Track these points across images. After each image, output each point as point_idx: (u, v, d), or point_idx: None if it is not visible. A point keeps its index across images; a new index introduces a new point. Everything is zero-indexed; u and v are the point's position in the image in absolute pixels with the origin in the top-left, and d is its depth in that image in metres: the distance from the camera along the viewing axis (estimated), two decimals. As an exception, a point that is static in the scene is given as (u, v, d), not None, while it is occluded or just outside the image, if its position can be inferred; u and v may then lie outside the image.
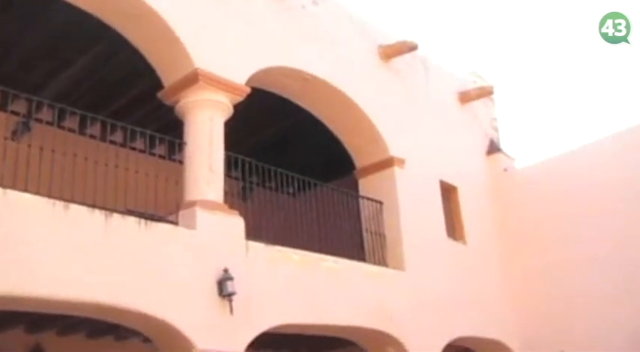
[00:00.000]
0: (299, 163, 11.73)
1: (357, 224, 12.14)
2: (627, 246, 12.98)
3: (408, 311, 11.52)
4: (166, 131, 9.65)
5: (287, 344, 13.62)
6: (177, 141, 9.48)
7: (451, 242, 13.38)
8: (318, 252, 10.51)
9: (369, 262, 11.59)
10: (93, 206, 7.90)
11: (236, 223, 9.33)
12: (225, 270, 8.66)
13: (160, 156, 9.71)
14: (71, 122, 9.47)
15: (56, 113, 8.52)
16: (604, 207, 13.48)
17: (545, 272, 14.04)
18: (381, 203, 12.16)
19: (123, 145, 9.44)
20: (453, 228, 13.69)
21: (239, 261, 9.06)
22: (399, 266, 11.85)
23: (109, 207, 8.08)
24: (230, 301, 8.66)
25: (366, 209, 12.15)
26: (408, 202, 12.33)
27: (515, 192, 15.03)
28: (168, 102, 9.75)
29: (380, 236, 12.04)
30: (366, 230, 12.05)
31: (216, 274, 8.66)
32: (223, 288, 8.63)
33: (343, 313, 10.50)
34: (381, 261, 11.80)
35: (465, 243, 13.69)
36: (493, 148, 15.72)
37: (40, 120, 9.42)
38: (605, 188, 13.56)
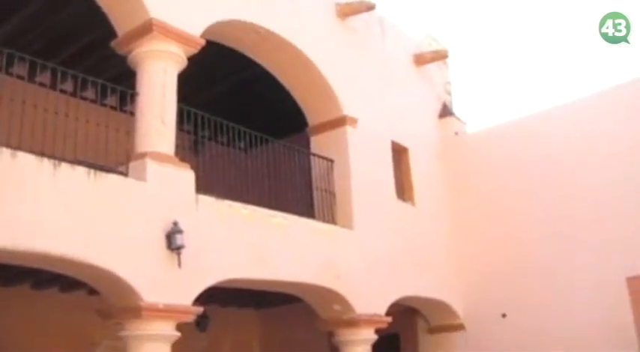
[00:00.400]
0: (252, 119, 11.68)
1: (308, 181, 12.16)
2: (576, 214, 13.24)
3: (355, 269, 11.62)
4: (118, 82, 9.49)
5: (234, 298, 13.70)
6: (129, 91, 9.33)
7: (400, 203, 13.48)
8: (268, 207, 10.51)
9: (318, 220, 11.63)
10: (41, 154, 7.76)
11: (187, 176, 9.25)
12: (175, 223, 8.62)
13: (111, 107, 9.55)
14: (20, 69, 9.26)
15: (4, 58, 8.32)
16: (553, 175, 13.70)
17: (492, 237, 14.27)
18: (332, 161, 12.17)
19: (73, 95, 9.28)
20: (403, 189, 13.80)
21: (189, 214, 9.01)
22: (348, 224, 11.92)
23: (57, 157, 7.96)
24: (178, 254, 8.62)
25: (316, 167, 12.17)
26: (359, 161, 12.38)
27: (465, 156, 15.19)
28: (121, 51, 9.59)
29: (330, 194, 12.08)
30: (316, 188, 12.07)
31: (165, 227, 8.60)
32: (172, 241, 8.58)
33: (291, 269, 10.54)
34: (330, 219, 11.85)
35: (414, 204, 13.83)
36: (445, 112, 15.82)
37: (-14, 66, 9.21)
38: (555, 156, 13.77)
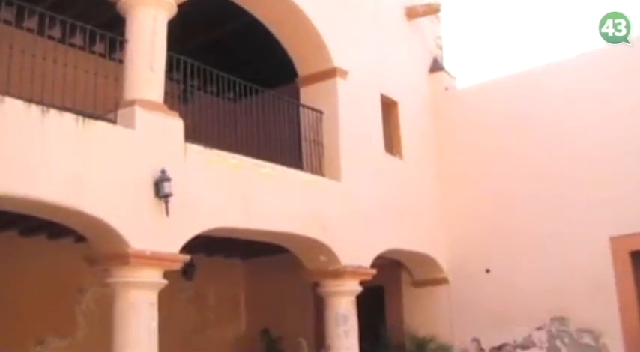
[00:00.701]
0: (241, 69, 11.62)
1: (297, 132, 12.15)
2: (563, 173, 13.31)
3: (341, 221, 11.69)
4: (107, 29, 9.38)
5: (221, 248, 13.80)
6: (119, 38, 9.26)
7: (388, 156, 13.51)
8: (257, 158, 10.52)
9: (306, 171, 11.66)
10: (29, 100, 7.72)
11: (175, 124, 9.23)
12: (163, 171, 8.62)
13: (100, 55, 9.49)
14: (7, 13, 9.16)
15: (-9, 3, 8.22)
16: (542, 133, 13.74)
17: (479, 193, 14.34)
18: (321, 113, 12.15)
19: (61, 41, 9.20)
20: (391, 142, 13.82)
21: (177, 162, 9.03)
22: (336, 176, 11.95)
23: (46, 103, 7.91)
24: (166, 202, 8.64)
25: (306, 118, 12.15)
26: (348, 113, 12.36)
27: (454, 111, 15.18)
28: (110, -3, 9.50)
29: (318, 145, 12.09)
30: (305, 139, 12.08)
31: (153, 175, 8.61)
32: (160, 189, 8.59)
33: (278, 219, 10.60)
34: (318, 171, 11.88)
35: (402, 158, 13.85)
36: (436, 66, 15.77)
37: (-27, 11, 9.10)
38: (545, 114, 13.78)
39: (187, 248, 9.16)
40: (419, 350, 13.65)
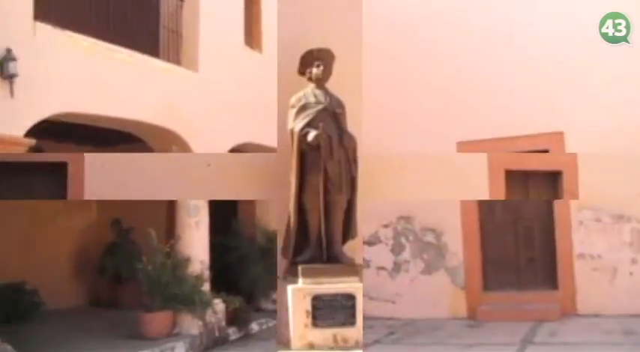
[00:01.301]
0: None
1: (156, 20, 11.79)
2: (414, 79, 13.61)
3: (196, 112, 11.58)
4: None
5: (71, 135, 13.43)
6: None
7: (248, 50, 13.36)
8: (113, 43, 10.15)
9: (163, 59, 11.41)
10: None
11: (23, 1, 8.73)
12: (8, 50, 8.22)
13: None
14: None
15: None
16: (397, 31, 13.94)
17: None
18: (182, 0, 11.83)
19: None
20: (252, 36, 13.64)
21: (25, 42, 8.59)
22: (193, 66, 11.74)
23: None
24: (11, 83, 8.29)
25: (165, 5, 11.79)
26: (209, 3, 12.06)
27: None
28: None
29: (177, 34, 11.80)
30: (164, 26, 11.75)
31: (-2, 54, 8.20)
32: (5, 69, 8.21)
33: (132, 107, 10.36)
34: (175, 60, 11.64)
35: (261, 51, 13.72)
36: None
37: None
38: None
39: (35, 132, 8.84)
40: (269, 243, 13.89)
